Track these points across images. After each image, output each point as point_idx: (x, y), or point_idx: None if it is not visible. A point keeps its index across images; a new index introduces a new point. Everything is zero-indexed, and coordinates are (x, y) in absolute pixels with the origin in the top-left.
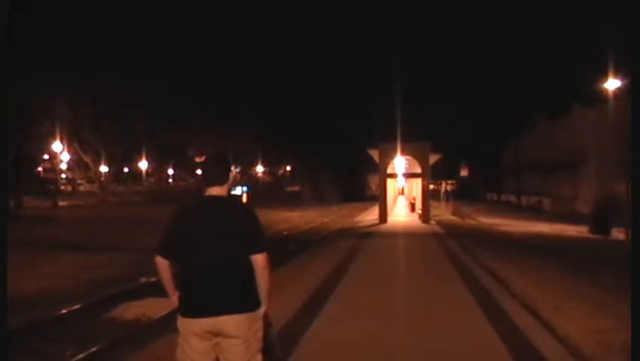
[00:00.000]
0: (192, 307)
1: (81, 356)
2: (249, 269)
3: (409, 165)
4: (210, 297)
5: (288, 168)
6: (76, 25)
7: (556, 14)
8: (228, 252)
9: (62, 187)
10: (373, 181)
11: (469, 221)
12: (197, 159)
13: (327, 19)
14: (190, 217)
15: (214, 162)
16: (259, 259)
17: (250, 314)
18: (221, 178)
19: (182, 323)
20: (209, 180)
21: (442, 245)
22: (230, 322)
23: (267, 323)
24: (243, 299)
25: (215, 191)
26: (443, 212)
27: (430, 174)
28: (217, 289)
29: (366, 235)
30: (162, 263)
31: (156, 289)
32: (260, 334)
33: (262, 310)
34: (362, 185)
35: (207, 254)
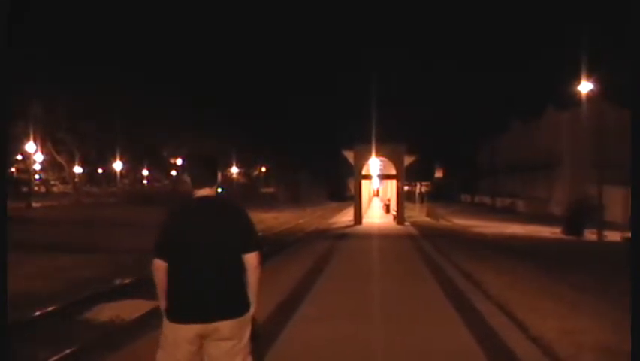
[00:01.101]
0: (185, 311)
1: (55, 358)
2: (242, 270)
3: (384, 166)
4: (204, 301)
5: (263, 169)
6: (53, 26)
7: (530, 18)
8: (222, 253)
9: (36, 188)
10: (352, 183)
11: (443, 222)
12: (172, 160)
13: (300, 19)
14: (184, 218)
15: (205, 163)
16: (252, 258)
17: (242, 319)
18: (212, 179)
19: (170, 327)
20: (200, 181)
21: (417, 246)
22: (222, 327)
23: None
24: (237, 303)
25: (206, 192)
26: (418, 213)
27: (405, 176)
28: (211, 293)
29: (342, 236)
30: (161, 266)
31: (131, 291)
32: (249, 335)
33: (252, 311)
34: (343, 186)
35: (201, 256)
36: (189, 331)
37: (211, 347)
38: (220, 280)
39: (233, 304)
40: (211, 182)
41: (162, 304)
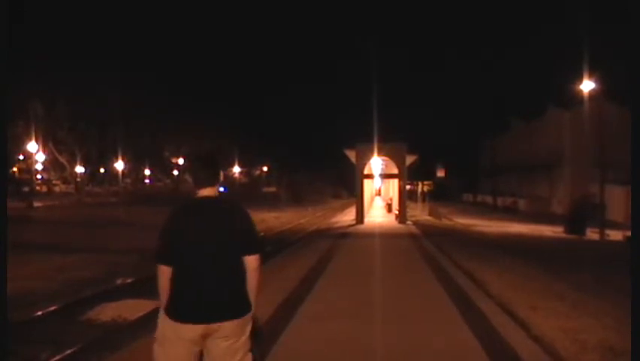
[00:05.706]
0: (187, 311)
1: (58, 357)
2: (243, 270)
3: (386, 166)
4: (207, 302)
5: (265, 168)
6: (52, 25)
7: (532, 16)
8: (224, 253)
9: (37, 188)
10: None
11: (445, 222)
12: (174, 160)
13: (303, 19)
14: (185, 219)
15: (206, 163)
16: (252, 261)
17: (243, 319)
18: (213, 179)
19: (171, 326)
20: (201, 181)
21: (418, 245)
22: (224, 327)
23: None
24: (238, 303)
25: (207, 192)
26: (419, 213)
27: (407, 175)
28: (212, 293)
29: (343, 235)
30: (165, 271)
31: (132, 291)
32: (248, 333)
33: (252, 311)
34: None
35: (203, 256)
36: (193, 331)
37: (211, 345)
38: (223, 281)
39: (236, 304)
40: (212, 182)
41: (163, 302)
